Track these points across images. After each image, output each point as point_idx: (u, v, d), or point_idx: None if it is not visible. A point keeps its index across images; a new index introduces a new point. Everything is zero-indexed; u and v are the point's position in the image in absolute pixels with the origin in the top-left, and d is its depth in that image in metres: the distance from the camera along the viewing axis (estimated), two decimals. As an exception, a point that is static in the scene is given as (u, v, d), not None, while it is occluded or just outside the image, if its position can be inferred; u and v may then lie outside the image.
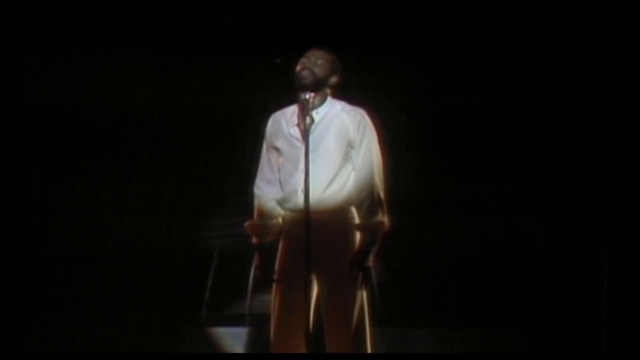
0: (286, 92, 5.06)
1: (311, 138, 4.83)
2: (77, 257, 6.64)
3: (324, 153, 4.90)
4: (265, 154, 5.07)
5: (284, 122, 5.02)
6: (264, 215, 5.05)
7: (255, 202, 5.07)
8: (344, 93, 5.06)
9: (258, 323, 6.29)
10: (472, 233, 6.66)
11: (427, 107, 6.78)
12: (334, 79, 4.99)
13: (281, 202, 4.99)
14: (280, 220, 5.04)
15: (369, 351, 4.96)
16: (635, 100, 6.57)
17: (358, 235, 4.95)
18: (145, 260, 6.68)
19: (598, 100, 6.61)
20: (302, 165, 4.80)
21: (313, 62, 4.94)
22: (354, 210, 4.95)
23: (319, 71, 4.94)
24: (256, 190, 5.07)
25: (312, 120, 4.91)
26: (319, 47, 5.00)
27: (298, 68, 4.96)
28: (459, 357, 6.49)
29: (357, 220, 4.95)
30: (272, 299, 5.00)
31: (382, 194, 4.94)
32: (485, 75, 6.73)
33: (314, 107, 4.94)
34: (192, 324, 6.67)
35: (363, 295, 4.93)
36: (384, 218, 4.93)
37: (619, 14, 6.44)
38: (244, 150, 5.90)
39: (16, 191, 6.63)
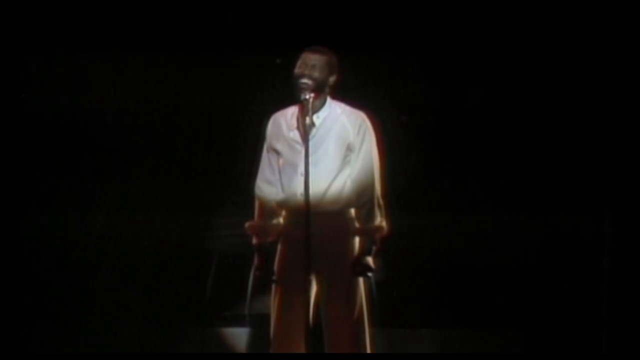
0: (286, 92, 5.05)
1: (311, 141, 4.84)
2: (77, 257, 6.64)
3: (324, 156, 4.91)
4: (265, 155, 5.07)
5: (284, 124, 5.02)
6: (265, 215, 5.05)
7: (256, 203, 5.08)
8: (343, 94, 5.06)
9: (258, 323, 6.28)
10: (472, 233, 6.66)
11: (427, 107, 6.77)
12: (332, 79, 4.98)
13: (281, 203, 5.00)
14: (280, 220, 5.04)
15: (369, 351, 4.97)
16: (635, 100, 6.57)
17: (357, 237, 4.97)
18: (146, 260, 6.68)
19: (598, 100, 6.61)
20: (301, 169, 4.80)
21: (311, 67, 4.93)
22: (352, 211, 4.96)
23: (318, 75, 4.93)
24: (257, 191, 5.07)
25: (313, 124, 4.92)
26: (314, 48, 4.98)
27: (296, 74, 4.93)
28: (459, 357, 6.48)
29: (356, 222, 4.95)
30: (272, 299, 5.01)
31: (381, 199, 4.96)
32: (485, 75, 6.73)
33: (315, 110, 4.94)
34: (192, 324, 6.66)
35: (362, 295, 4.94)
36: (382, 223, 4.96)
37: (619, 14, 6.44)
38: (244, 150, 5.90)
39: (16, 191, 6.63)
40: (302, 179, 4.77)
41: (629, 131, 6.62)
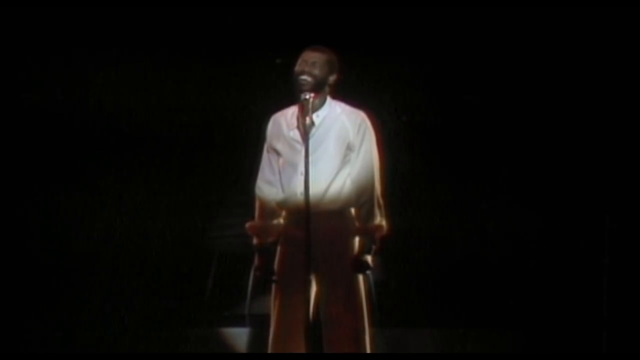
0: (286, 92, 5.05)
1: (311, 141, 4.84)
2: (78, 257, 6.64)
3: (324, 156, 4.91)
4: (265, 155, 5.07)
5: (284, 124, 5.02)
6: (265, 216, 5.05)
7: (257, 203, 5.08)
8: (343, 94, 5.06)
9: (258, 323, 6.28)
10: (472, 233, 6.66)
11: (427, 107, 6.78)
12: (332, 78, 4.99)
13: (282, 203, 5.00)
14: (281, 220, 5.04)
15: (368, 351, 4.97)
16: (635, 100, 6.57)
17: (357, 237, 4.97)
18: (146, 260, 6.68)
19: (598, 100, 6.61)
20: (301, 168, 4.81)
21: (311, 65, 4.94)
22: (352, 211, 4.96)
23: (318, 73, 4.94)
24: (257, 191, 5.07)
25: (313, 123, 4.92)
26: (315, 47, 4.99)
27: (297, 71, 4.94)
28: (459, 357, 6.48)
29: (355, 222, 4.96)
30: (272, 299, 5.01)
31: (380, 198, 4.96)
32: (485, 75, 6.74)
33: (314, 109, 4.94)
34: (192, 324, 6.66)
35: (362, 295, 4.94)
36: (382, 222, 4.96)
37: (619, 14, 6.45)
38: (244, 150, 5.90)
39: (17, 191, 6.63)
40: (302, 179, 4.77)
41: (629, 131, 6.62)
